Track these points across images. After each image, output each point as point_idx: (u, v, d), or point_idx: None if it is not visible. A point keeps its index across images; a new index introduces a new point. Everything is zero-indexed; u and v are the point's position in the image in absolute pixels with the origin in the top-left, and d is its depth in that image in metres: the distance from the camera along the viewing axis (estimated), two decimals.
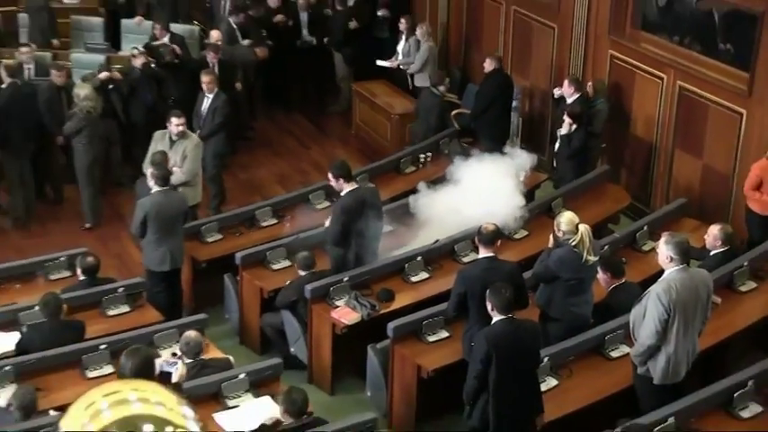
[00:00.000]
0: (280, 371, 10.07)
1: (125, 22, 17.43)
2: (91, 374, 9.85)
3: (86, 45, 16.84)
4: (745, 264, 10.98)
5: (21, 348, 10.16)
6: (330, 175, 11.78)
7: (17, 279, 11.82)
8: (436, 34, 17.63)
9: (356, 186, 11.66)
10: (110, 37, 17.33)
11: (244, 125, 16.99)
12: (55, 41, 17.07)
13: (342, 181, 11.48)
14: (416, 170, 14.39)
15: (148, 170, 11.90)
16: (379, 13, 18.20)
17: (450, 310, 10.07)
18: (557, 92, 14.17)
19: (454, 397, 9.38)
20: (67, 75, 15.01)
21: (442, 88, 15.25)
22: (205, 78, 14.16)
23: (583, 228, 10.07)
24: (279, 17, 17.25)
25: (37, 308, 10.40)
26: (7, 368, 9.65)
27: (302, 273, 11.21)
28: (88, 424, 1.78)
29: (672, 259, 8.86)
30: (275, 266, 11.94)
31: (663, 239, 9.13)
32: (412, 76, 17.04)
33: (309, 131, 17.60)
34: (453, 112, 15.82)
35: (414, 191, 13.11)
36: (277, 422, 8.66)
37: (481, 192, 11.70)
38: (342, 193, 11.56)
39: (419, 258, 11.70)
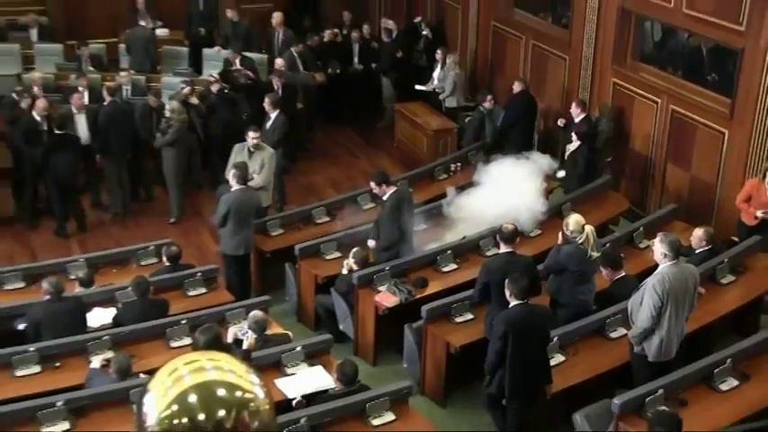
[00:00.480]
0: (330, 345, 10.07)
1: (206, 51, 17.47)
2: (173, 345, 9.92)
3: (174, 70, 16.90)
4: (726, 260, 10.93)
5: (116, 321, 10.27)
6: (373, 184, 11.81)
7: (114, 264, 11.89)
8: (466, 63, 17.59)
9: (396, 188, 11.77)
10: (193, 63, 17.36)
11: (303, 138, 16.99)
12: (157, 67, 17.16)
13: (384, 186, 11.58)
14: (448, 177, 14.32)
15: (231, 171, 11.95)
16: (420, 45, 18.16)
17: (474, 296, 10.07)
18: (560, 122, 14.13)
19: (477, 369, 9.37)
20: (158, 95, 15.13)
21: (486, 104, 15.14)
22: (267, 101, 14.15)
23: (588, 228, 10.15)
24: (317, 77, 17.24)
25: (129, 288, 10.46)
26: (105, 338, 9.74)
27: (353, 266, 11.20)
28: (171, 387, 1.79)
29: (666, 255, 8.87)
30: (328, 257, 11.93)
31: (658, 238, 9.13)
32: (444, 98, 16.99)
33: (358, 144, 17.59)
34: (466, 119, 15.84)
35: (444, 195, 13.17)
36: None
37: (506, 193, 11.63)
38: (384, 197, 11.62)
39: (449, 252, 11.68)
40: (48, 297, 9.84)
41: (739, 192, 11.99)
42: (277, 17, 17.76)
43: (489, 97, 15.18)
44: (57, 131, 13.87)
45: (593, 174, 13.33)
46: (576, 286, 10.06)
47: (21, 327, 9.92)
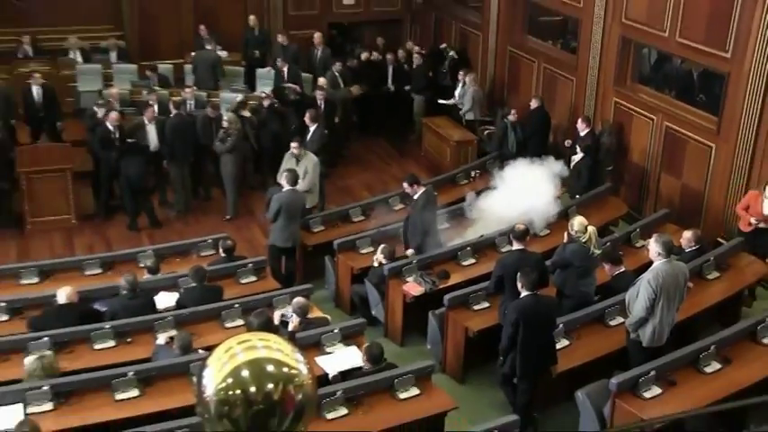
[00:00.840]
0: (363, 328, 10.11)
1: (259, 70, 17.51)
2: (227, 325, 9.99)
3: (231, 87, 16.96)
4: (712, 259, 10.91)
5: (179, 304, 10.33)
6: (405, 185, 12.00)
7: (177, 255, 11.94)
8: (485, 82, 17.58)
9: (425, 189, 11.91)
10: (247, 81, 17.42)
11: (341, 147, 16.98)
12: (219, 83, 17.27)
13: (415, 186, 11.79)
14: (468, 182, 14.33)
15: (283, 175, 12.12)
16: (445, 67, 18.15)
17: (490, 287, 10.07)
18: (567, 143, 14.08)
19: (491, 351, 9.37)
20: (216, 108, 15.24)
21: (511, 117, 15.11)
22: (308, 115, 14.22)
23: (590, 228, 10.19)
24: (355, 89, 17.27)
25: (189, 276, 10.52)
26: (169, 318, 9.82)
27: (383, 260, 11.21)
28: (227, 363, 1.82)
29: (659, 254, 8.90)
30: (362, 251, 11.94)
31: (653, 239, 9.16)
32: (464, 113, 17.01)
33: (390, 153, 17.57)
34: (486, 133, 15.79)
35: (463, 199, 13.23)
36: None
37: (521, 197, 11.61)
38: (415, 196, 11.74)
39: (468, 248, 11.67)
40: (125, 293, 9.98)
41: (729, 199, 12.14)
42: (318, 37, 17.86)
43: (513, 111, 15.15)
44: (128, 140, 14.01)
45: (595, 181, 13.29)
46: (579, 280, 10.11)
47: (99, 307, 10.01)
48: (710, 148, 12.47)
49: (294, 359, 1.83)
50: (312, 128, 13.97)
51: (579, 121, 13.77)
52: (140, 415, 8.38)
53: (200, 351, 9.22)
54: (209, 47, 17.50)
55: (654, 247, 9.01)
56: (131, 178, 14.01)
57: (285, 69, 16.83)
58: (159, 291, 10.57)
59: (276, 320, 9.65)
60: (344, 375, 8.93)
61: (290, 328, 9.48)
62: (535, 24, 16.94)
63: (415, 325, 11.00)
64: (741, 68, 11.69)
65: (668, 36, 12.90)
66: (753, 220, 11.09)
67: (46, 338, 9.31)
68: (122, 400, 8.60)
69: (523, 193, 11.57)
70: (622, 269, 10.17)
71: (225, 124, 14.39)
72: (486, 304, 10.29)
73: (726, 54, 11.93)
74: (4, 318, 10.20)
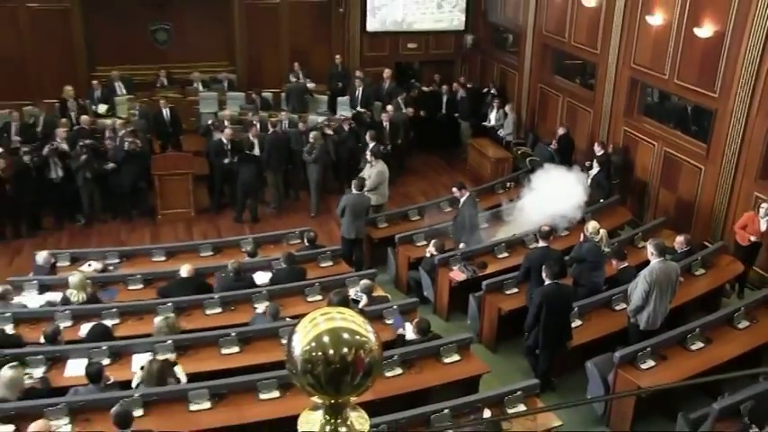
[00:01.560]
0: (417, 305, 10.08)
1: (339, 99, 17.54)
2: (309, 299, 10.04)
3: (317, 111, 17.06)
4: (699, 258, 10.80)
5: (272, 282, 10.43)
6: (454, 189, 12.06)
7: (271, 242, 12.02)
8: (521, 111, 17.45)
9: (469, 193, 11.90)
10: (330, 106, 17.48)
11: (404, 160, 16.92)
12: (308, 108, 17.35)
13: (462, 191, 11.79)
14: (504, 192, 14.20)
15: (353, 182, 12.20)
16: (488, 99, 18.06)
17: (519, 276, 10.08)
18: (588, 164, 13.83)
19: (519, 327, 9.36)
20: (306, 126, 15.36)
21: (553, 146, 14.85)
22: (368, 134, 14.25)
23: (602, 231, 10.33)
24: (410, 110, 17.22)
25: (281, 259, 10.61)
26: (264, 292, 9.94)
27: (434, 252, 11.17)
28: (311, 331, 1.82)
29: (653, 254, 8.93)
30: (418, 244, 11.90)
31: (649, 242, 9.27)
32: (504, 135, 16.93)
33: (442, 166, 17.49)
34: (528, 159, 15.62)
35: (498, 204, 13.22)
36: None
37: (548, 203, 11.51)
38: (462, 200, 11.75)
39: (503, 244, 11.60)
40: (231, 275, 10.14)
41: (714, 210, 12.00)
42: (387, 72, 17.83)
43: (554, 141, 14.86)
44: (245, 151, 14.20)
45: (606, 193, 13.14)
46: (591, 272, 10.09)
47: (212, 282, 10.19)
48: (700, 169, 12.29)
49: (365, 329, 1.84)
50: (371, 144, 13.93)
51: (596, 144, 13.61)
52: (239, 366, 8.49)
53: (287, 319, 9.33)
54: (301, 79, 17.66)
55: (649, 248, 9.08)
56: (245, 181, 14.19)
57: (359, 98, 16.96)
58: (257, 270, 10.69)
59: (352, 295, 9.75)
60: (397, 344, 8.93)
61: (361, 305, 9.56)
62: (561, 66, 16.78)
63: (458, 304, 10.96)
64: (726, 106, 11.54)
65: (668, 78, 12.73)
66: (752, 238, 10.89)
67: (170, 304, 9.53)
68: (226, 354, 8.74)
69: (553, 199, 11.46)
70: (626, 264, 10.10)
71: (311, 140, 14.49)
72: (515, 290, 10.23)
73: (714, 94, 11.78)
74: (140, 286, 10.44)
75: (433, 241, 11.38)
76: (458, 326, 10.73)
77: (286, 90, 17.44)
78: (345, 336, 1.79)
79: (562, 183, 11.69)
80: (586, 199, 11.93)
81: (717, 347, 8.96)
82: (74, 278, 9.61)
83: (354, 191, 12.08)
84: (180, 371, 8.14)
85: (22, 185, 13.26)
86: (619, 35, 13.89)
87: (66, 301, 9.53)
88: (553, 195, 11.42)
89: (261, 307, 9.58)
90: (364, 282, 10.07)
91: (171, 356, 8.34)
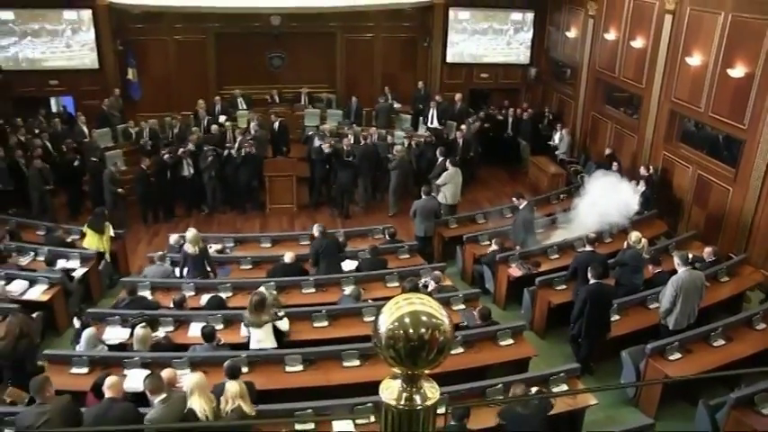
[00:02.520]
0: (479, 295, 10.03)
1: (421, 118, 17.52)
2: (389, 285, 10.04)
3: (402, 127, 17.09)
4: (724, 267, 10.44)
5: (357, 268, 10.53)
6: (514, 198, 12.00)
7: (359, 236, 12.12)
8: (574, 133, 17.15)
9: (527, 202, 11.82)
10: (413, 124, 17.47)
11: (474, 172, 16.75)
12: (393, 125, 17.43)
13: (521, 200, 11.76)
14: (558, 202, 13.94)
15: (423, 188, 12.30)
16: (544, 123, 17.82)
17: (568, 275, 9.90)
18: (634, 182, 13.42)
19: (565, 318, 9.20)
20: (391, 140, 15.42)
21: (614, 167, 13.99)
22: (438, 150, 14.19)
23: (644, 240, 10.07)
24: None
25: (366, 250, 10.66)
26: (351, 278, 9.99)
27: (496, 249, 11.09)
28: (395, 312, 1.82)
29: (679, 264, 8.77)
30: (482, 243, 11.77)
31: (674, 253, 9.22)
32: (560, 154, 16.68)
33: (504, 178, 17.30)
34: (579, 175, 15.33)
35: (552, 213, 13.00)
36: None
37: (597, 212, 11.31)
38: (520, 207, 11.71)
39: (555, 247, 11.38)
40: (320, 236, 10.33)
41: (740, 226, 11.53)
42: (458, 95, 17.70)
43: (616, 163, 14.23)
44: (343, 158, 14.31)
45: (649, 206, 12.79)
46: (632, 275, 9.83)
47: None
48: (729, 190, 11.87)
49: (440, 313, 1.84)
50: (440, 158, 13.88)
51: (642, 167, 13.32)
52: (328, 338, 8.59)
53: (369, 301, 9.37)
54: (388, 100, 17.75)
55: (675, 259, 8.93)
56: (343, 183, 14.36)
57: (435, 116, 16.94)
58: (345, 259, 10.77)
59: (422, 282, 9.74)
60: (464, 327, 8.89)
61: (431, 288, 9.55)
62: (610, 97, 16.43)
63: (514, 296, 10.84)
64: (754, 136, 11.12)
65: (703, 111, 12.33)
66: None
67: (273, 282, 9.67)
68: (317, 327, 8.84)
69: (609, 206, 11.19)
70: (661, 269, 9.87)
71: (394, 151, 14.54)
72: (563, 286, 10.04)
73: (743, 126, 11.37)
74: (249, 267, 10.66)
75: (494, 240, 11.30)
76: (513, 314, 10.60)
77: (376, 109, 17.54)
78: (424, 318, 1.79)
79: (621, 194, 11.43)
80: (638, 210, 11.71)
81: (736, 345, 8.68)
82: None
83: (424, 196, 12.10)
84: (282, 323, 8.42)
85: (160, 180, 13.85)
86: (662, 72, 13.53)
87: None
88: (610, 203, 11.16)
89: (348, 290, 9.64)
90: (435, 273, 10.06)
91: (273, 293, 8.88)
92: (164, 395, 6.14)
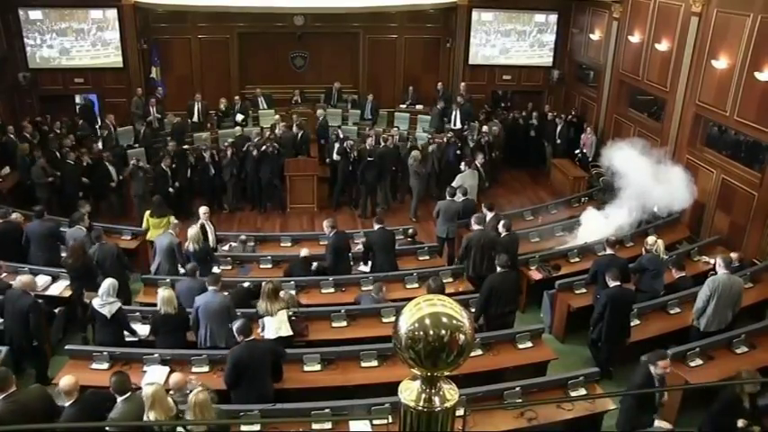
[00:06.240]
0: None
1: (444, 118, 17.46)
2: (408, 286, 10.03)
3: (423, 129, 17.05)
4: (748, 273, 10.30)
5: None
6: (484, 207, 11.62)
7: None
8: (599, 136, 17.02)
9: (493, 214, 11.42)
10: (436, 125, 17.32)
11: (497, 173, 16.67)
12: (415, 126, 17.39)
13: (490, 212, 11.40)
14: (579, 205, 13.81)
15: (447, 190, 12.23)
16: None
17: (588, 278, 9.79)
18: None
19: (585, 322, 9.14)
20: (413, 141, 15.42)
21: None
22: (460, 151, 14.21)
23: (659, 241, 10.04)
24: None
25: (374, 220, 10.73)
26: (370, 277, 9.97)
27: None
28: (415, 313, 1.82)
29: (720, 266, 8.75)
30: None
31: (718, 256, 9.08)
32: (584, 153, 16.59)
33: (527, 181, 17.18)
34: (600, 179, 15.21)
35: (573, 216, 12.85)
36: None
37: (618, 217, 11.26)
38: (487, 219, 11.44)
39: (575, 250, 11.32)
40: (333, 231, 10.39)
41: (764, 232, 11.37)
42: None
43: None
44: (368, 158, 14.33)
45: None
46: (651, 279, 9.75)
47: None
48: (754, 195, 11.70)
49: (461, 315, 1.83)
50: (462, 165, 13.88)
51: None
52: (347, 338, 8.60)
53: (388, 301, 9.36)
54: (408, 101, 17.74)
55: (717, 261, 8.89)
56: (367, 182, 14.40)
57: (457, 117, 16.90)
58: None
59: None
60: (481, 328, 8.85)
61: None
62: (634, 100, 16.31)
63: (534, 299, 10.80)
64: None
65: (729, 115, 12.15)
66: None
67: (292, 282, 9.69)
68: (336, 327, 8.85)
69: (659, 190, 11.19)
70: (683, 274, 9.82)
71: (410, 159, 14.55)
72: (584, 290, 9.98)
73: None
74: (269, 266, 10.68)
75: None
76: (532, 317, 10.57)
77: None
78: (444, 320, 1.79)
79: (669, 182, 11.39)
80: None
81: (760, 352, 8.55)
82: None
83: (448, 197, 12.08)
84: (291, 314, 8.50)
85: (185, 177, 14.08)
86: (686, 75, 13.37)
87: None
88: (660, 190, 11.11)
89: (370, 289, 9.61)
90: (454, 273, 10.06)
91: (291, 293, 8.99)
92: (128, 394, 6.05)
